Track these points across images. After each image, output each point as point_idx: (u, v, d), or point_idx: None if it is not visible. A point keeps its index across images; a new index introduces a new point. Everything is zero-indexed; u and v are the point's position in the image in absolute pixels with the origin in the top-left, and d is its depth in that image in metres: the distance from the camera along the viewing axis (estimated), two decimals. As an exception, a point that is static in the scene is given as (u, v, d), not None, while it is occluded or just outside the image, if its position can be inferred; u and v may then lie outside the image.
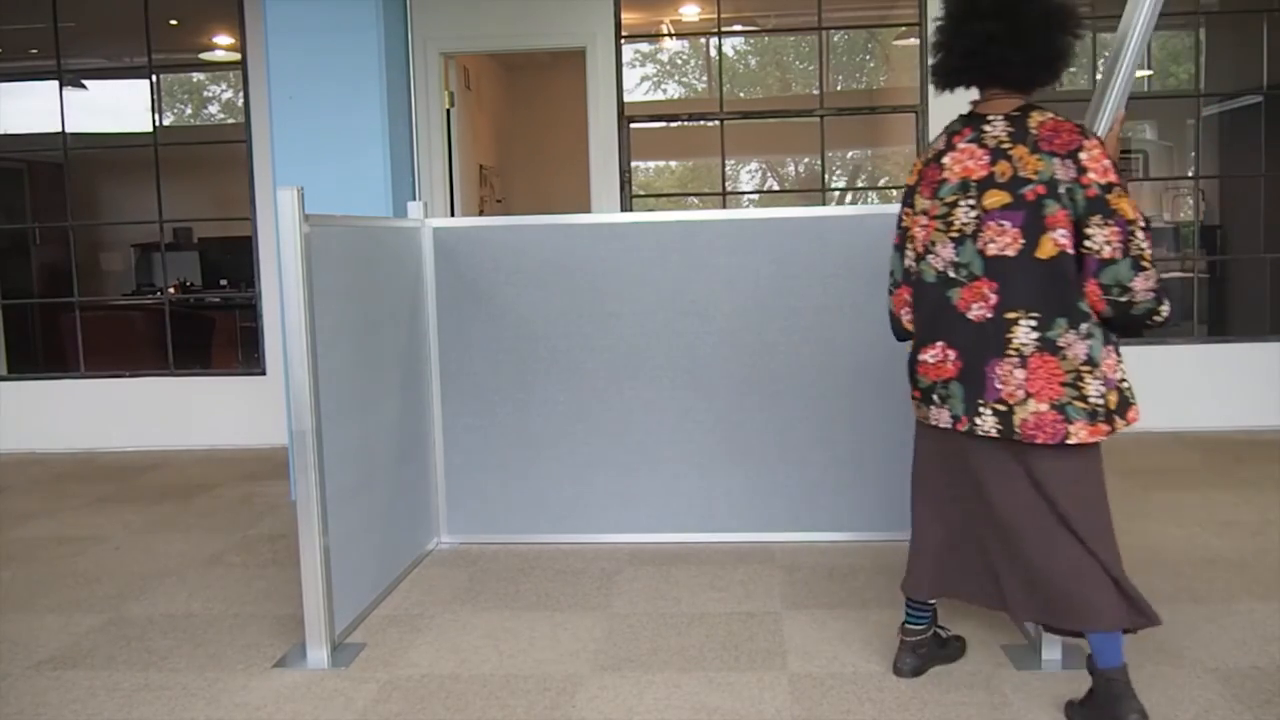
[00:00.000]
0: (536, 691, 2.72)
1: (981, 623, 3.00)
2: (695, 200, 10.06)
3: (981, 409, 2.41)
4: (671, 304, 3.87)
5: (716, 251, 3.83)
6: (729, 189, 9.18)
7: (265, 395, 5.96)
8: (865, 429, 3.83)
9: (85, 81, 6.79)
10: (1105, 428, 2.34)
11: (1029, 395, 2.34)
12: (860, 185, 9.88)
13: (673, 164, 10.83)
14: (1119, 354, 2.40)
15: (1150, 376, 5.77)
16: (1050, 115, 2.40)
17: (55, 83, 6.22)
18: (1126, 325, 2.38)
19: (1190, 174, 7.78)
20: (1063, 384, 2.33)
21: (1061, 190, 2.32)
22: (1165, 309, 2.34)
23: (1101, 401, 2.33)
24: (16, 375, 6.44)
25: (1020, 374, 2.35)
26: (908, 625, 2.74)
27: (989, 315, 2.39)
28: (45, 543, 4.26)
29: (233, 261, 7.40)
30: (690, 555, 3.81)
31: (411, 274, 3.84)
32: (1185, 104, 6.96)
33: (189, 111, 9.17)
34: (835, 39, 9.07)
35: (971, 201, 2.43)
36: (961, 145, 2.47)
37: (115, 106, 7.39)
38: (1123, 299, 2.31)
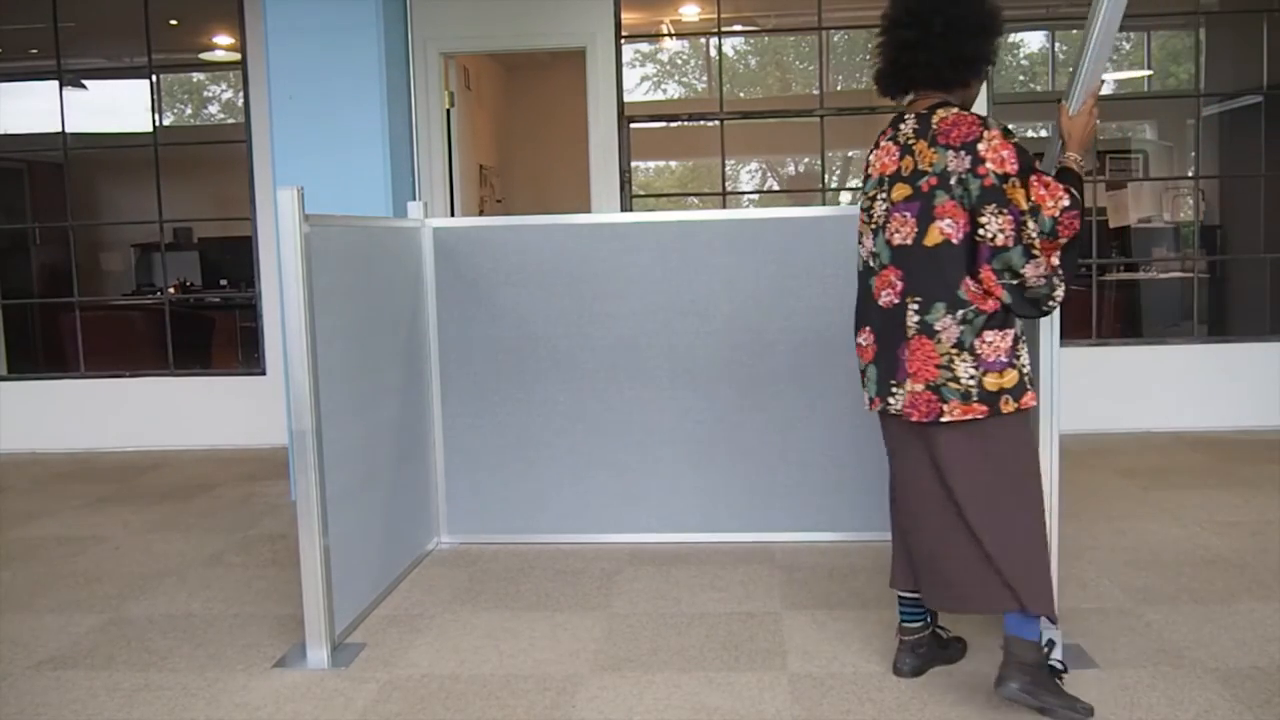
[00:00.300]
0: (536, 691, 2.72)
1: (981, 624, 2.99)
2: (695, 200, 10.06)
3: (894, 388, 2.55)
4: (671, 304, 3.87)
5: (716, 251, 3.83)
6: (729, 189, 9.18)
7: (265, 395, 5.96)
8: (865, 429, 3.82)
9: (85, 81, 6.79)
10: (981, 407, 2.45)
11: (908, 375, 2.51)
12: (854, 185, 9.89)
13: (673, 164, 10.83)
14: (1016, 339, 2.49)
15: (1150, 376, 5.80)
16: (955, 111, 2.49)
17: (55, 83, 6.22)
18: (1025, 309, 2.48)
19: (1190, 174, 7.78)
20: (937, 366, 2.46)
21: (952, 181, 2.43)
22: (1059, 293, 2.46)
23: (974, 383, 2.45)
24: (16, 375, 6.44)
25: (905, 355, 2.51)
26: (903, 624, 2.75)
27: (895, 301, 2.54)
28: (45, 543, 4.26)
29: (233, 261, 7.40)
30: (690, 555, 3.81)
31: (411, 274, 3.84)
32: (1185, 104, 6.96)
33: (189, 111, 9.18)
34: (835, 39, 9.07)
35: (884, 195, 2.58)
36: (883, 143, 2.63)
37: (115, 106, 7.40)
38: (1015, 283, 2.43)
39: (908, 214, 2.50)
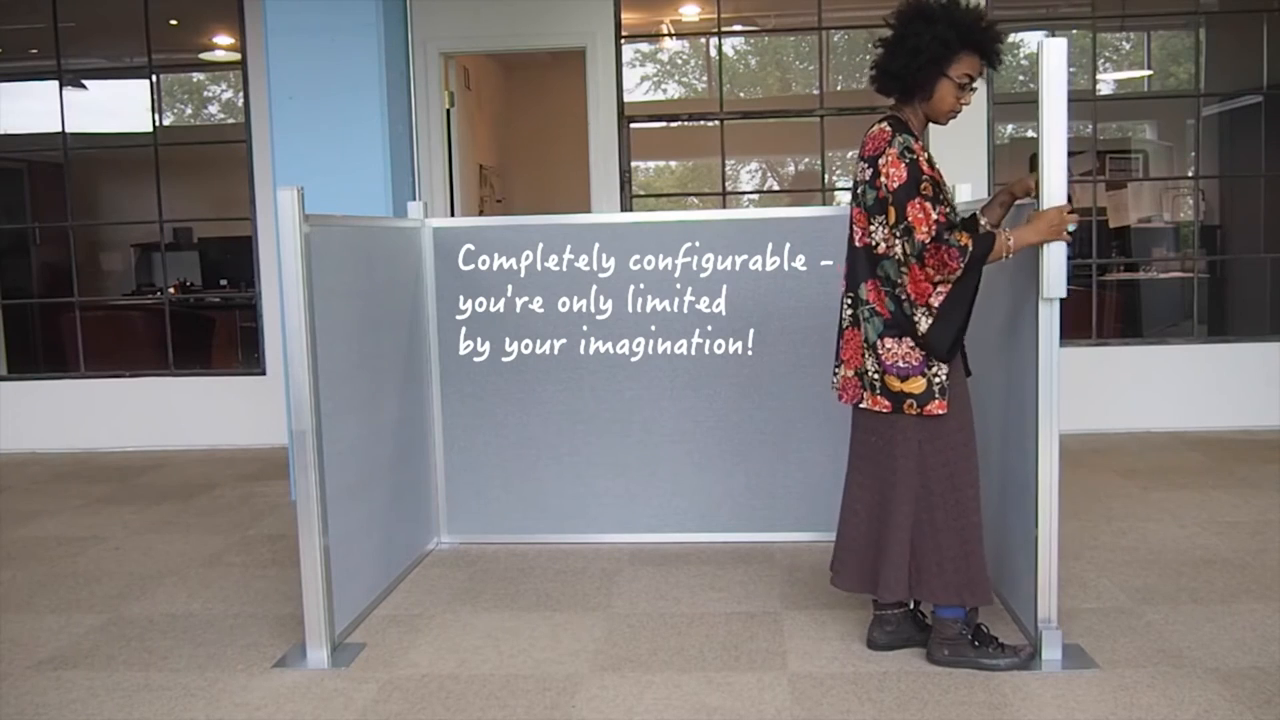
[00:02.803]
0: (536, 691, 2.72)
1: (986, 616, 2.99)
2: (695, 200, 10.05)
3: (836, 368, 2.84)
4: (671, 304, 3.87)
5: (716, 251, 3.84)
6: (729, 189, 9.18)
7: (265, 395, 5.96)
8: (865, 429, 3.82)
9: (85, 81, 6.79)
10: (885, 402, 2.68)
11: (842, 361, 2.79)
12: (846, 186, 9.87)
13: (673, 164, 10.83)
14: (914, 346, 2.62)
15: (1150, 376, 5.80)
16: (881, 126, 2.67)
17: (55, 83, 6.22)
18: (900, 325, 2.62)
19: (1190, 174, 7.78)
20: (862, 355, 2.72)
21: (859, 190, 2.68)
22: (921, 325, 2.59)
23: (878, 377, 2.67)
24: (16, 375, 6.44)
25: (843, 342, 2.79)
26: (878, 600, 2.86)
27: (841, 292, 2.81)
28: (45, 543, 4.26)
29: (233, 261, 7.40)
30: (690, 555, 3.81)
31: (411, 274, 3.84)
32: (1185, 104, 6.96)
33: (189, 111, 9.17)
34: (835, 39, 9.06)
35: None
36: None
37: (115, 106, 7.39)
38: (897, 291, 2.61)
39: (850, 215, 2.76)
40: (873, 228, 2.64)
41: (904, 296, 2.60)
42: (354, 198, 4.40)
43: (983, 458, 2.80)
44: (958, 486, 2.68)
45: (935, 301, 2.57)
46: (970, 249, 2.53)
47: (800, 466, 3.88)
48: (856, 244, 2.70)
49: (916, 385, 2.63)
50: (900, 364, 2.63)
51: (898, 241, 2.57)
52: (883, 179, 2.59)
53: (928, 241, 2.52)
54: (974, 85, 2.68)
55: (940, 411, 2.63)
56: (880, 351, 2.65)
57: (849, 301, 2.75)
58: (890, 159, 2.58)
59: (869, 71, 2.74)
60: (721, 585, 3.48)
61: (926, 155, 2.63)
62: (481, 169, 7.07)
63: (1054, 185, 2.62)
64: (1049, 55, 2.57)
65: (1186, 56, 6.79)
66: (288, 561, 3.85)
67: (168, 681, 2.85)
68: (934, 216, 2.53)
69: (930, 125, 2.75)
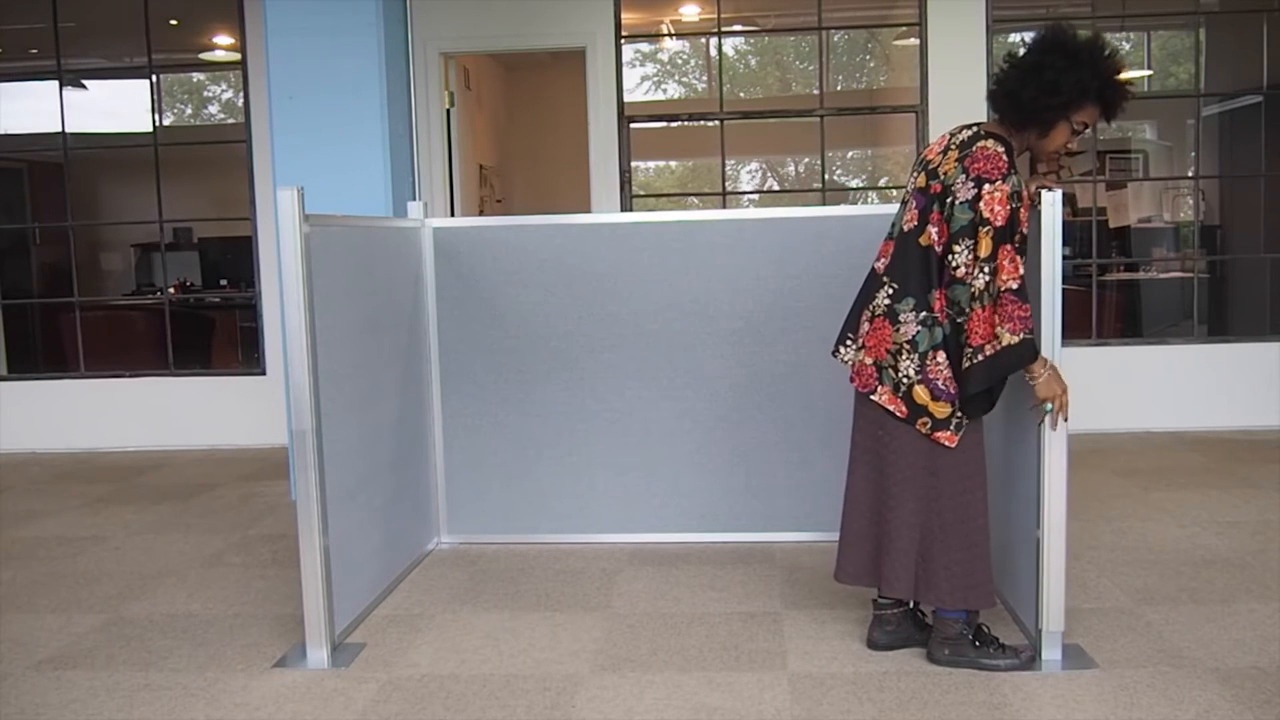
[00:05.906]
0: (536, 691, 2.72)
1: (988, 617, 2.99)
2: (695, 200, 10.05)
3: (849, 341, 2.80)
4: (672, 304, 3.87)
5: (716, 251, 3.84)
6: (729, 189, 9.18)
7: (265, 395, 5.96)
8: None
9: (85, 81, 6.79)
10: (903, 407, 2.64)
11: (863, 347, 2.73)
12: (856, 185, 9.88)
13: (673, 164, 10.83)
14: (951, 371, 2.60)
15: (1150, 376, 5.80)
16: (996, 149, 2.57)
17: (55, 83, 6.22)
18: (951, 351, 2.60)
19: (1190, 174, 7.78)
20: (888, 350, 2.66)
21: (948, 199, 2.58)
22: (965, 361, 2.55)
23: (908, 383, 2.63)
24: (16, 375, 6.44)
25: (866, 327, 2.73)
26: (878, 597, 2.87)
27: (880, 272, 2.73)
28: (45, 543, 4.26)
29: (233, 261, 7.40)
30: (690, 555, 3.81)
31: (411, 274, 3.84)
32: (1185, 104, 6.96)
33: (189, 111, 9.17)
34: (835, 39, 9.06)
35: (915, 176, 2.74)
36: (944, 135, 2.77)
37: (115, 106, 7.39)
38: (960, 320, 2.57)
39: (915, 204, 2.68)
40: (956, 248, 2.55)
41: (964, 325, 2.56)
42: (354, 198, 4.40)
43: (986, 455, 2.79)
44: (967, 489, 2.67)
45: (988, 350, 2.53)
46: (1031, 337, 2.54)
47: (800, 466, 3.88)
48: (920, 242, 2.63)
49: (942, 410, 2.61)
50: (940, 384, 2.60)
51: (980, 275, 2.52)
52: (982, 207, 2.52)
53: (1003, 290, 2.50)
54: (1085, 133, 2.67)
55: (948, 444, 2.62)
56: (928, 362, 2.60)
57: (890, 290, 2.66)
58: (1000, 195, 2.51)
59: (989, 86, 2.66)
60: (721, 585, 3.48)
61: (1027, 206, 2.61)
62: (481, 169, 7.07)
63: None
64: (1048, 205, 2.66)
65: (1186, 56, 6.79)
66: (288, 561, 3.85)
67: (168, 681, 2.85)
68: (1017, 275, 2.51)
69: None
